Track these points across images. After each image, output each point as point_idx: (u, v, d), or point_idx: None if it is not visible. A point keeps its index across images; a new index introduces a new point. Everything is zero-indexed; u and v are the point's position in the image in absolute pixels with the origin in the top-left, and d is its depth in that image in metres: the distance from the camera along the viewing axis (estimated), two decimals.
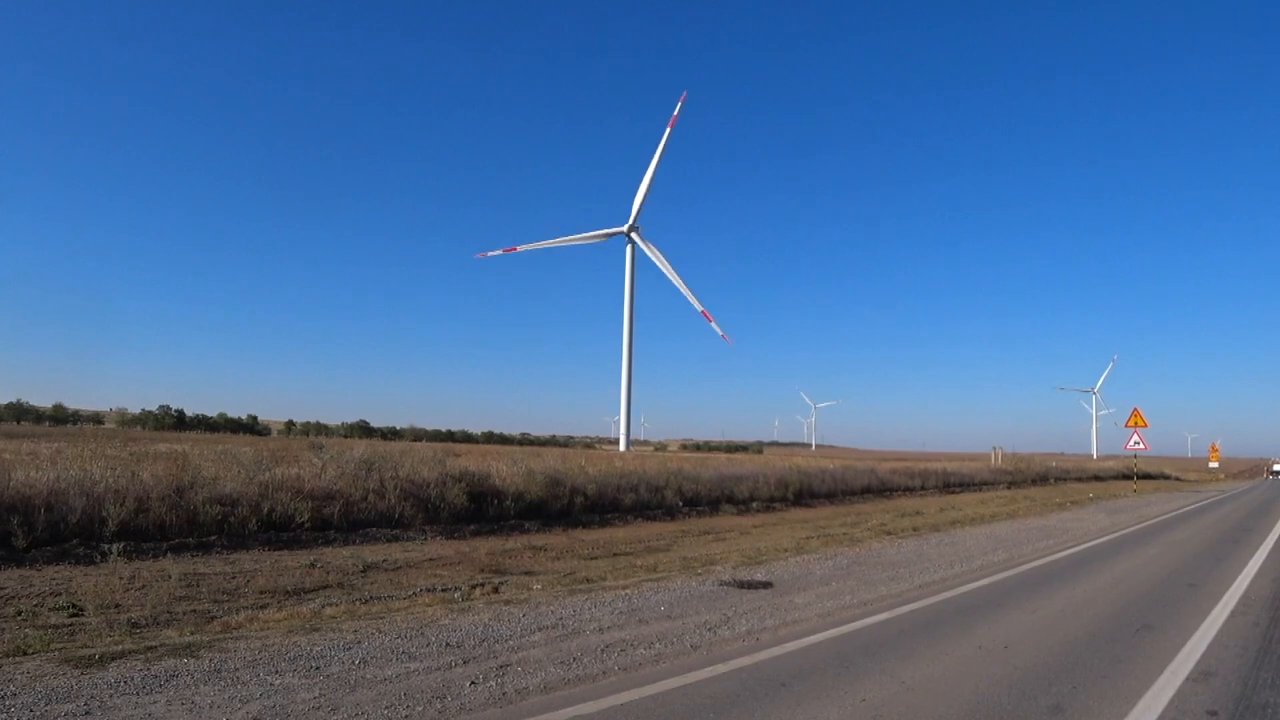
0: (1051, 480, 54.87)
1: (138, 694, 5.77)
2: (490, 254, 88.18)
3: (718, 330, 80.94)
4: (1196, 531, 21.96)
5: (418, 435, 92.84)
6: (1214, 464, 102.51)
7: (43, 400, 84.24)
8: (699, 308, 77.93)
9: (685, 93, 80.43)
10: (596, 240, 78.21)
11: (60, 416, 79.38)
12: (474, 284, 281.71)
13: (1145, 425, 40.84)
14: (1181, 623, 9.39)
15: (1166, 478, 76.99)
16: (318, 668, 6.62)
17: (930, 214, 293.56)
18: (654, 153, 75.15)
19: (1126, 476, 61.29)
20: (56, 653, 6.77)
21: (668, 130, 75.58)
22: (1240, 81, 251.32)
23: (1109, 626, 9.15)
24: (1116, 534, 20.62)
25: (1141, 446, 41.04)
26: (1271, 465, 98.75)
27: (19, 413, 78.45)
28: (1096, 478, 62.42)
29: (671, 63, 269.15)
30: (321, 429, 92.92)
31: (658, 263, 75.64)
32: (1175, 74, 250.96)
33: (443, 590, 10.37)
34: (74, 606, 8.54)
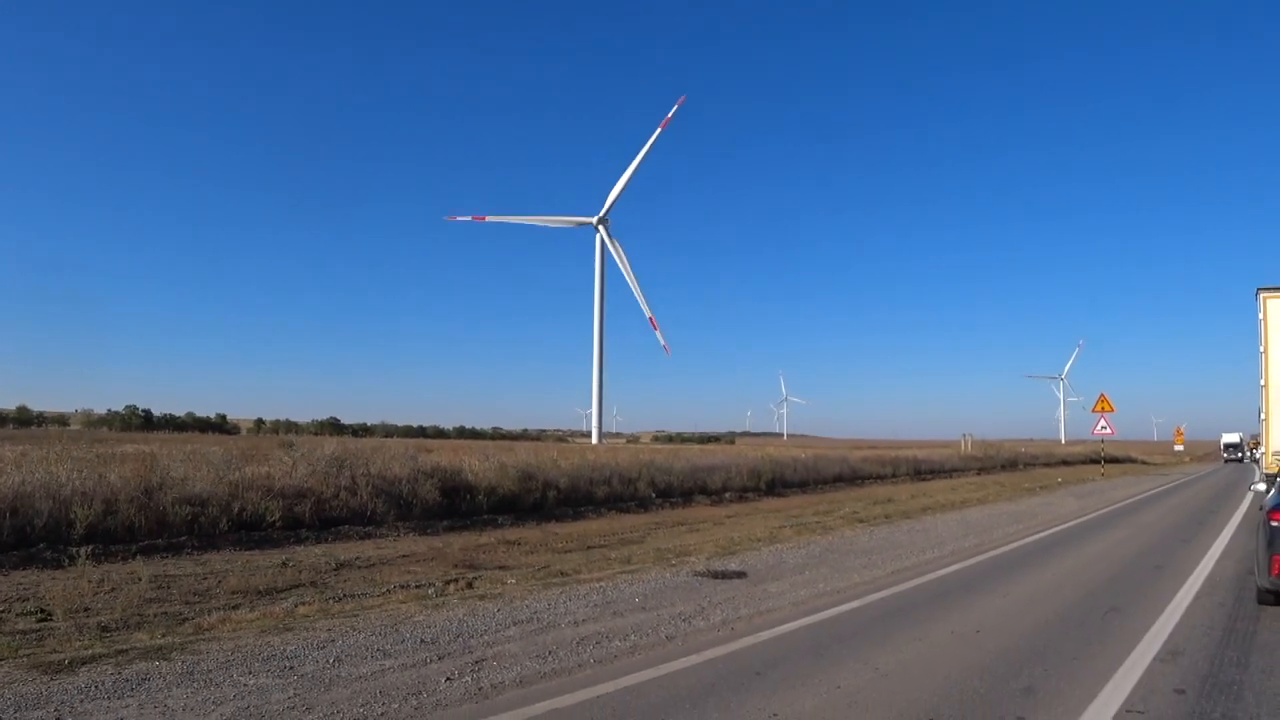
0: (1020, 466, 55.54)
1: (109, 698, 5.70)
2: (459, 218, 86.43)
3: (660, 340, 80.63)
4: (1163, 514, 22.34)
5: (389, 432, 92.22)
6: (1179, 447, 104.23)
7: (6, 403, 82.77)
8: (648, 314, 77.70)
9: (684, 97, 78.79)
10: (565, 225, 77.31)
11: (24, 419, 77.87)
12: (445, 279, 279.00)
13: (1112, 410, 41.46)
14: (1149, 604, 9.55)
15: (1133, 462, 78.11)
16: (292, 667, 6.58)
17: (895, 203, 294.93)
18: (638, 149, 74.14)
19: (1094, 461, 62.09)
20: (25, 658, 6.67)
21: (658, 130, 74.16)
22: (1196, 67, 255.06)
23: (1079, 609, 9.30)
24: (1085, 518, 20.95)
25: (1108, 431, 41.66)
26: (1222, 440, 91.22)
27: None
28: (1065, 463, 63.26)
29: (645, 53, 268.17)
30: (292, 427, 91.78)
31: (618, 261, 75.32)
32: (1135, 57, 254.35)
33: (417, 587, 10.33)
34: (42, 611, 8.41)
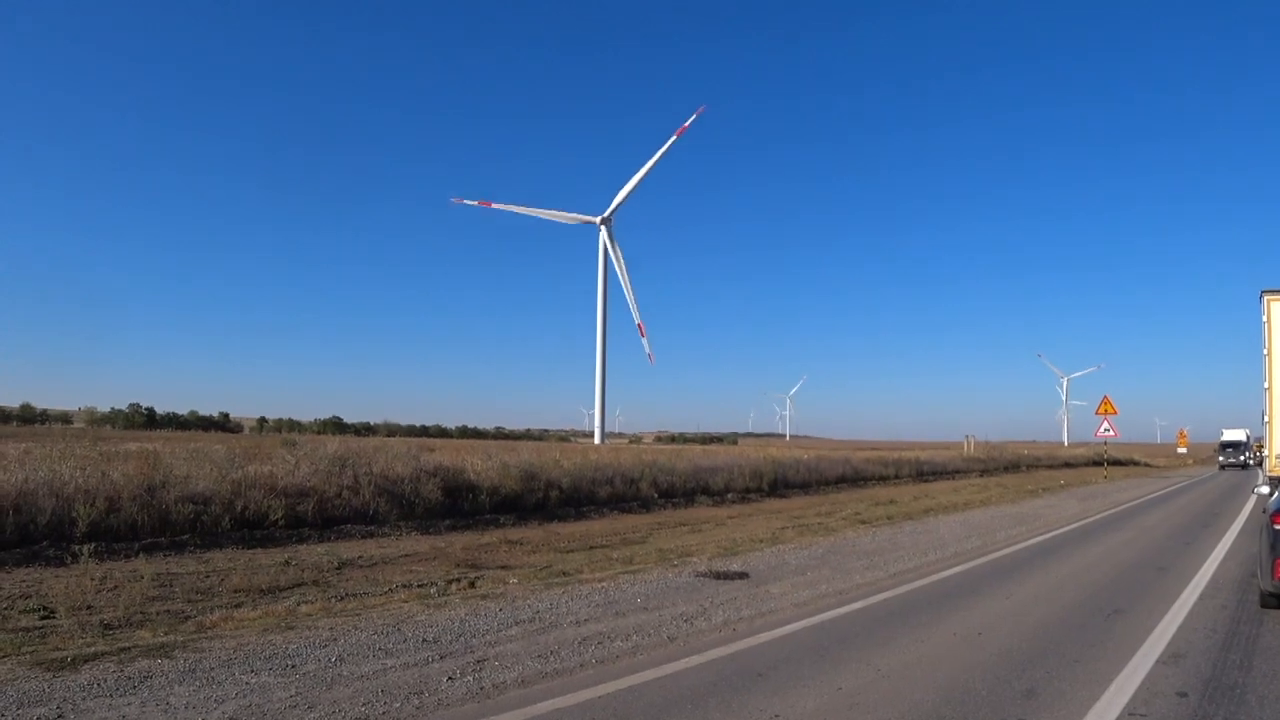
0: (1023, 468, 55.46)
1: (111, 696, 5.71)
2: (465, 202, 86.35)
3: (646, 347, 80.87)
4: (1165, 517, 22.31)
5: (391, 431, 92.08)
6: (1182, 449, 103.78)
7: (10, 400, 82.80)
8: (637, 320, 78.09)
9: (703, 106, 78.23)
10: (569, 221, 77.33)
11: (28, 416, 77.80)
12: (448, 277, 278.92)
13: (1115, 412, 41.38)
14: (1152, 606, 9.54)
15: (1136, 464, 77.82)
16: (294, 666, 6.58)
17: (897, 203, 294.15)
18: (646, 151, 74.81)
19: (1097, 463, 61.90)
20: (28, 655, 6.68)
21: (673, 138, 74.09)
22: (1198, 67, 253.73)
23: (1081, 611, 9.28)
24: (1088, 520, 20.91)
25: (1111, 434, 41.59)
26: (1222, 437, 75.65)
27: None
28: (1068, 465, 63.17)
29: (651, 52, 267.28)
30: (294, 425, 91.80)
31: (615, 262, 75.50)
32: (1136, 57, 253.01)
33: (419, 586, 10.33)
34: (45, 609, 8.43)
